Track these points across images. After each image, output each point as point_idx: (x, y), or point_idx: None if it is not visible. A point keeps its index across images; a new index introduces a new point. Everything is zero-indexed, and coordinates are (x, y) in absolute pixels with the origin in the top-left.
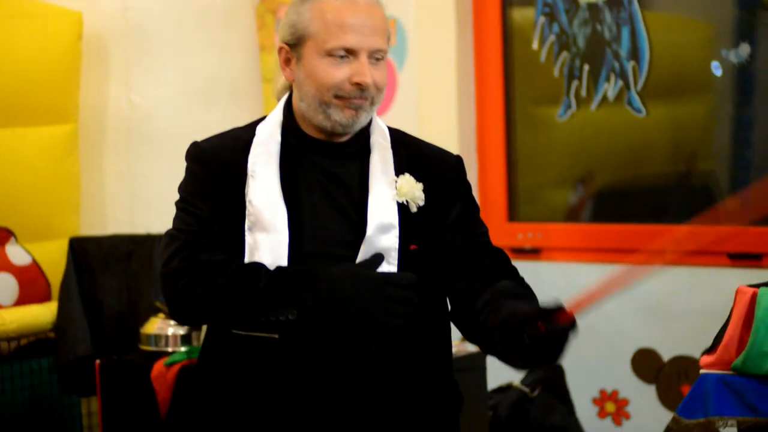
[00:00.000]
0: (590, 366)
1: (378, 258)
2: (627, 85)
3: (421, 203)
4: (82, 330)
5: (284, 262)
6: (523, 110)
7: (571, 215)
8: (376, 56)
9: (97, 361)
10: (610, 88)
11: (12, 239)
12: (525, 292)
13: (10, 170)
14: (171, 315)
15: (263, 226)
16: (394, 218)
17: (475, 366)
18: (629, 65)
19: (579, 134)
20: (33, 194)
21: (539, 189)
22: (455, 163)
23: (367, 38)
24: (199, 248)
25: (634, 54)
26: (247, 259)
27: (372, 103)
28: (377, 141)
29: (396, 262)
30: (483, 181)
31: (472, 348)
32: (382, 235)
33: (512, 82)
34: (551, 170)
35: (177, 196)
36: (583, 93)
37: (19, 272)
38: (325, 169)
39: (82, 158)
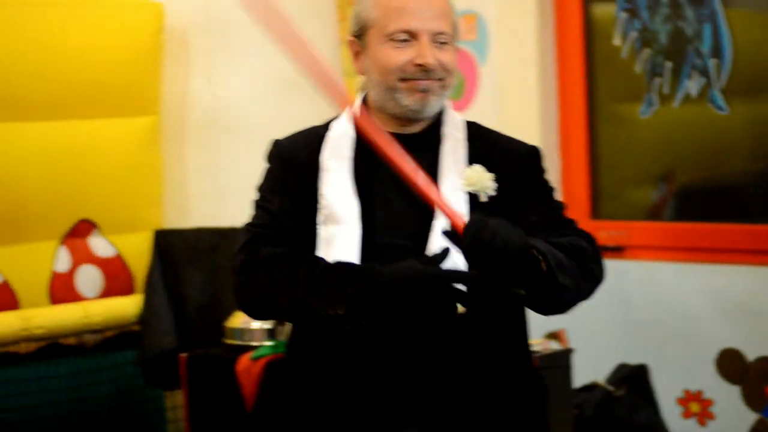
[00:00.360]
0: (674, 366)
1: (444, 252)
2: (709, 83)
3: (492, 193)
4: (166, 323)
5: (356, 254)
6: (605, 107)
7: (654, 213)
8: (440, 40)
9: (183, 355)
10: (692, 85)
11: (95, 231)
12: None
13: (93, 162)
14: (239, 308)
15: (335, 219)
16: (463, 207)
17: (560, 364)
18: (711, 63)
19: (661, 131)
20: (116, 186)
21: (622, 186)
22: (529, 151)
23: (427, 21)
24: (265, 242)
25: (716, 51)
26: (320, 253)
27: (443, 87)
28: (449, 132)
29: None
30: (566, 179)
31: (556, 346)
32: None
33: (594, 78)
34: (634, 168)
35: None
36: (666, 90)
37: (103, 264)
38: None
39: (164, 150)
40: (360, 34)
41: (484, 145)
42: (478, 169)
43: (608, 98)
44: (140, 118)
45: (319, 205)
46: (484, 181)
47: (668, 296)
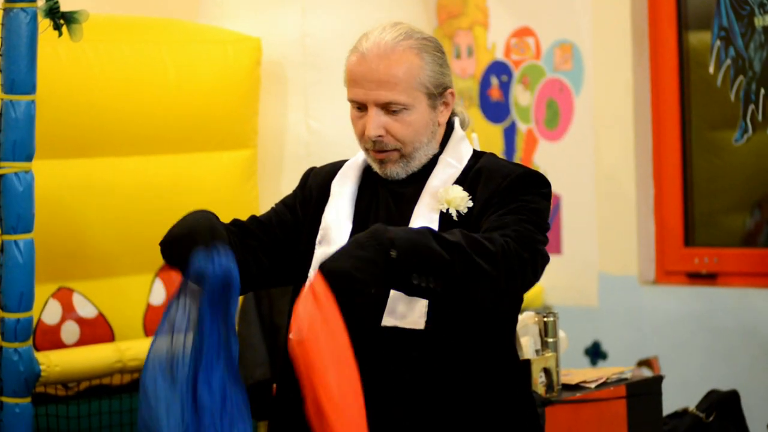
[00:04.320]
0: (766, 392)
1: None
2: None
3: (463, 211)
4: (260, 354)
5: None
6: (700, 134)
7: (748, 240)
8: (392, 109)
9: (275, 385)
10: None
11: None
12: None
13: (190, 195)
14: None
15: (328, 241)
16: (433, 224)
17: (649, 391)
18: None
19: (756, 158)
20: None
21: (716, 213)
22: (511, 174)
23: (370, 92)
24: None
25: None
26: (311, 271)
27: (403, 156)
28: (444, 159)
29: None
30: (659, 206)
31: (648, 373)
32: None
33: (689, 106)
34: (728, 195)
35: None
36: (760, 117)
37: None
38: (392, 190)
39: (260, 183)
40: None
41: (476, 171)
42: (454, 189)
43: (703, 126)
44: (237, 152)
45: (320, 226)
46: (457, 201)
47: (761, 322)
